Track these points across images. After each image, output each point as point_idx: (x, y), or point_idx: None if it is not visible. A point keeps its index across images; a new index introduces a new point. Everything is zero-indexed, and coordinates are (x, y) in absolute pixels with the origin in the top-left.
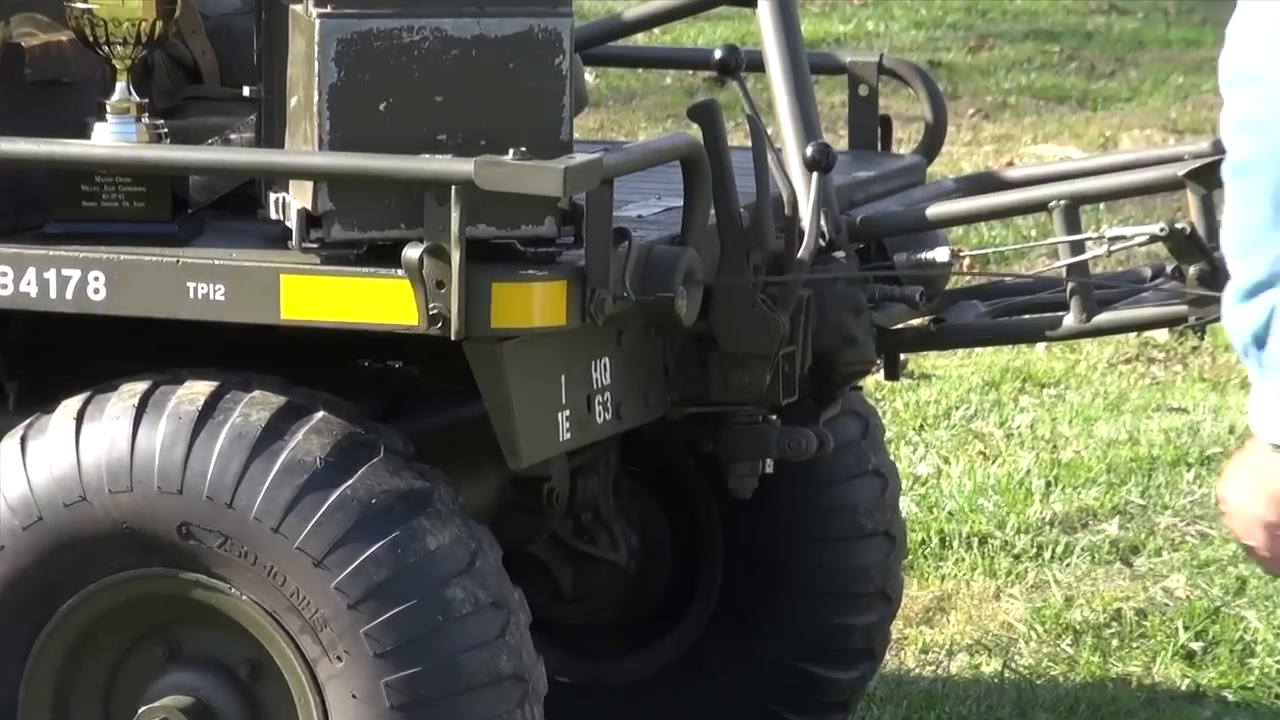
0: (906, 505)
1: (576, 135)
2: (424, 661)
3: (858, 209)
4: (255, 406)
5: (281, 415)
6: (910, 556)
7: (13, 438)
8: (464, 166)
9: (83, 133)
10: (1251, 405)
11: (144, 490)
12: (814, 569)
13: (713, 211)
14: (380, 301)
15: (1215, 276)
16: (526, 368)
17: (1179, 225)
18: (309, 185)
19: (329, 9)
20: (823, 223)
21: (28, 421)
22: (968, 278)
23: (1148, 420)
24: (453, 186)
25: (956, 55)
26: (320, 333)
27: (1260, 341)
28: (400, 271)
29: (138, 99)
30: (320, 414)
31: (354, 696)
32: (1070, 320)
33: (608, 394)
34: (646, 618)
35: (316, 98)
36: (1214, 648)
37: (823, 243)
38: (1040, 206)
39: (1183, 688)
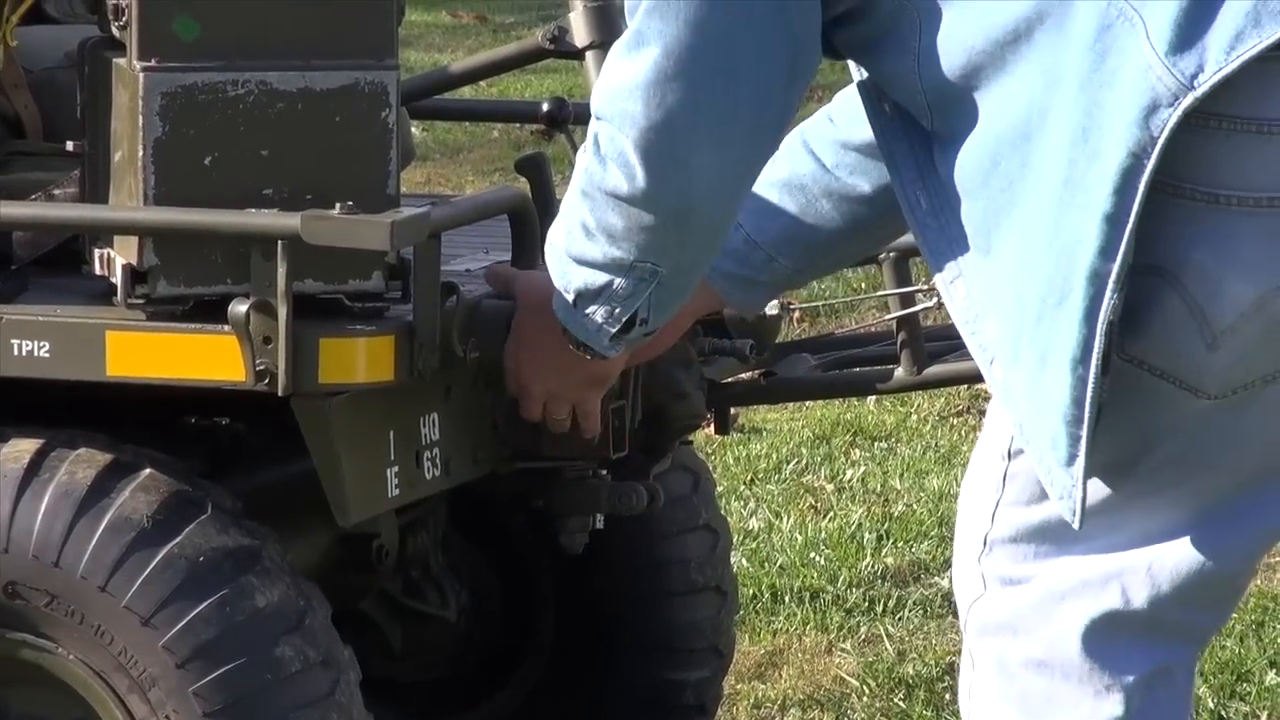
0: (738, 560)
1: (404, 189)
2: None
3: None
4: (81, 464)
5: (108, 473)
6: (742, 611)
7: None
8: (290, 221)
9: None
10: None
11: None
12: (646, 624)
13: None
14: (207, 357)
15: None
16: (354, 424)
17: None
18: (134, 241)
19: (153, 63)
20: None
21: None
22: (798, 331)
23: None
24: (279, 241)
25: None
26: (146, 389)
27: (581, 296)
28: (227, 327)
29: None
30: (147, 471)
31: None
32: (901, 373)
33: (437, 450)
34: (478, 675)
35: (141, 152)
36: None
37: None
38: (870, 259)
39: None
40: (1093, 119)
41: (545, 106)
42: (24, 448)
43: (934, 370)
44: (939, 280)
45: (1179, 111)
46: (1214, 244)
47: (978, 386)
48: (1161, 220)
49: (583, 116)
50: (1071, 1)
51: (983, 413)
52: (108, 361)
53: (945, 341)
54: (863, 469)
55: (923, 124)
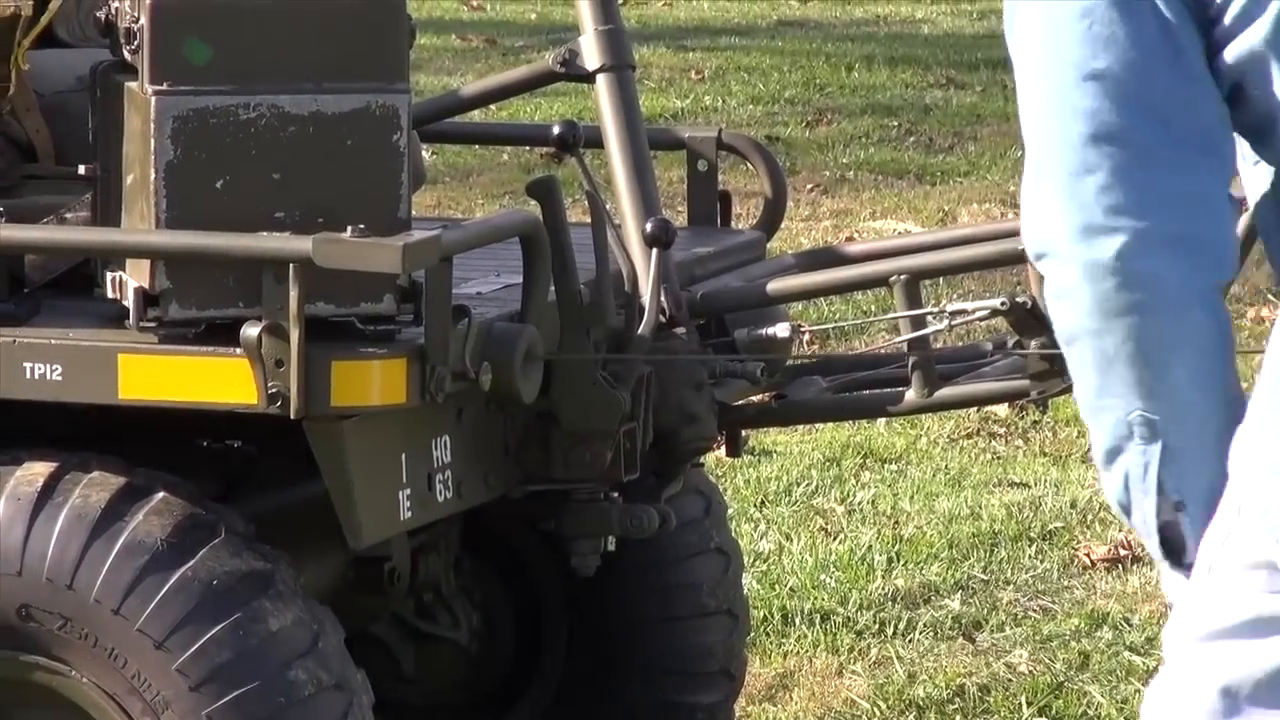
0: (748, 582)
1: (414, 212)
2: None
3: (698, 285)
4: (95, 487)
5: (122, 496)
6: (752, 634)
7: None
8: (302, 244)
9: None
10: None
11: None
12: (657, 648)
13: (552, 288)
14: (219, 381)
15: (1056, 350)
16: (366, 446)
17: (1020, 299)
18: (146, 264)
19: (165, 86)
20: (663, 299)
21: None
22: (808, 353)
23: (989, 495)
24: (291, 264)
25: (795, 130)
26: (159, 412)
27: (1126, 509)
28: (239, 350)
29: None
30: (161, 495)
31: None
32: (912, 395)
33: (449, 472)
34: (489, 697)
35: (153, 175)
36: None
37: (663, 319)
38: (881, 281)
39: None
40: None
41: (556, 130)
42: (37, 471)
43: (945, 393)
44: None
45: None
46: None
47: (987, 409)
48: None
49: (593, 140)
50: None
51: (993, 435)
52: (120, 384)
53: (956, 364)
54: (873, 491)
55: None
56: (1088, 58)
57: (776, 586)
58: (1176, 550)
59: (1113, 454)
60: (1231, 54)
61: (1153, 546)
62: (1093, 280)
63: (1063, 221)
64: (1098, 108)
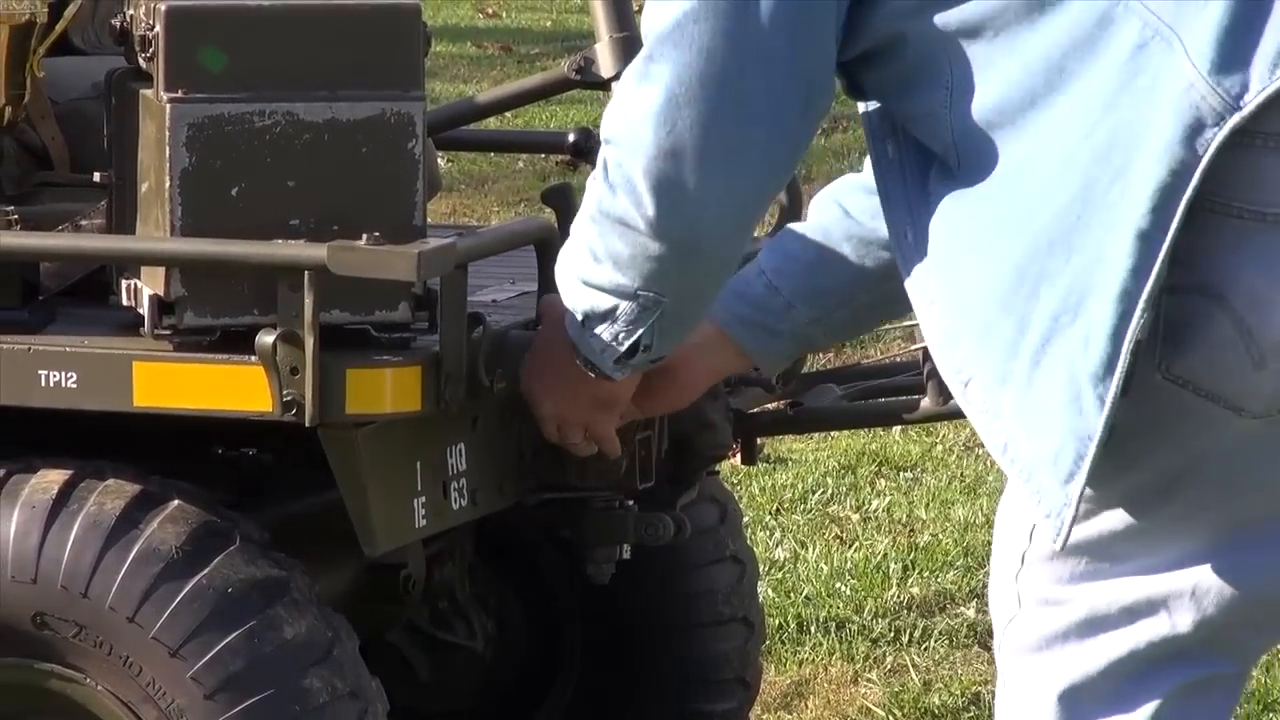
0: (763, 590)
1: (429, 220)
2: None
3: None
4: (110, 495)
5: (136, 504)
6: (767, 641)
7: None
8: (317, 252)
9: None
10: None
11: None
12: (672, 655)
13: None
14: (234, 388)
15: None
16: (381, 454)
17: None
18: (161, 271)
19: (180, 93)
20: None
21: None
22: (823, 361)
23: None
24: (306, 272)
25: None
26: (174, 420)
27: (588, 318)
28: (254, 358)
29: None
30: (175, 502)
31: None
32: (927, 403)
33: (464, 480)
34: (504, 705)
35: (168, 183)
36: None
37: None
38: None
39: None
40: (1119, 137)
41: (571, 137)
42: (52, 478)
43: None
44: (916, 307)
45: (1225, 130)
46: (1262, 262)
47: None
48: (1206, 239)
49: None
50: (1106, 27)
51: None
52: (135, 392)
53: None
54: (888, 499)
55: (948, 162)
56: None
57: (791, 594)
58: (622, 361)
59: (602, 288)
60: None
61: (601, 350)
62: (664, 201)
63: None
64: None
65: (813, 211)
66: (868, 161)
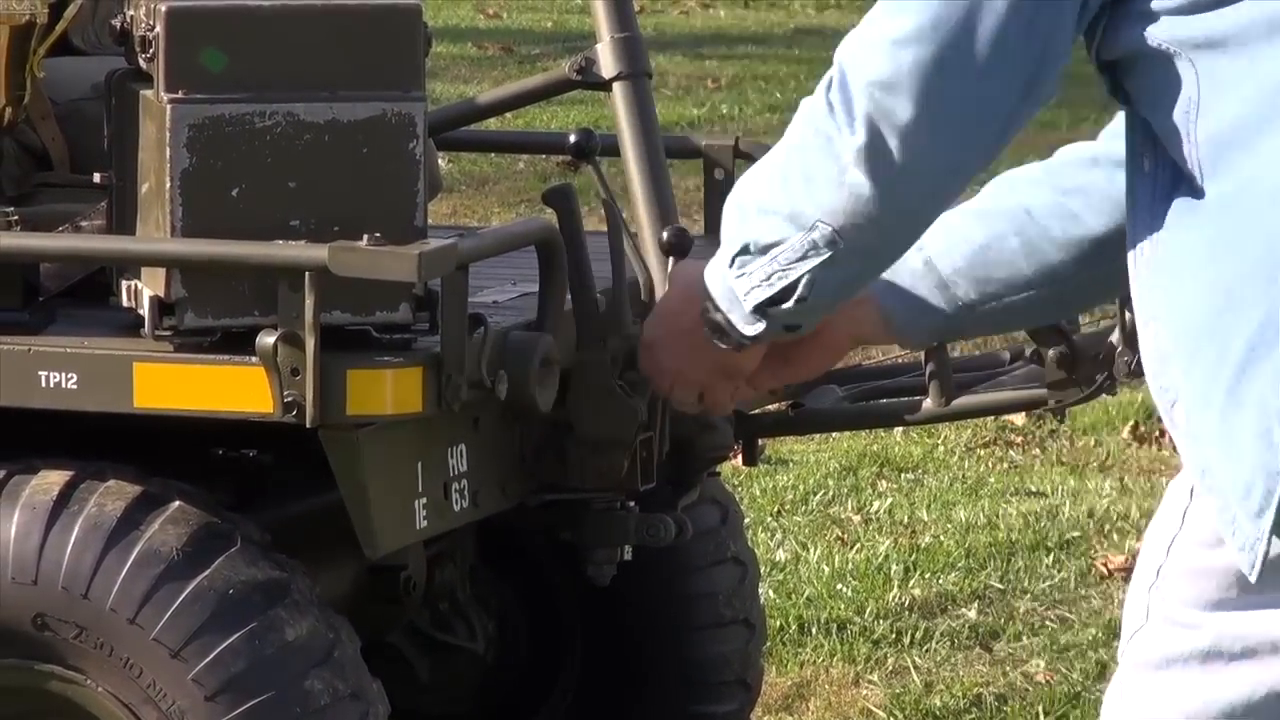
0: (764, 591)
1: (430, 220)
2: None
3: None
4: (111, 496)
5: (137, 505)
6: (769, 643)
7: None
8: (318, 252)
9: None
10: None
11: None
12: (673, 657)
13: (569, 297)
14: (234, 389)
15: (1074, 360)
16: (382, 455)
17: None
18: (161, 272)
19: (180, 94)
20: None
21: None
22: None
23: (1006, 504)
24: (306, 273)
25: None
26: (174, 421)
27: (747, 250)
28: (254, 359)
29: None
30: (176, 503)
31: None
32: (929, 404)
33: (465, 481)
34: (505, 707)
35: (168, 184)
36: None
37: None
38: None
39: None
40: None
41: (573, 138)
42: (53, 479)
43: (962, 401)
44: (1138, 322)
45: None
46: None
47: (1004, 418)
48: None
49: (609, 148)
50: None
51: (1010, 444)
52: (135, 393)
53: (973, 373)
54: (889, 500)
55: (1190, 180)
56: None
57: (793, 595)
58: (767, 307)
59: (778, 215)
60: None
61: (749, 289)
62: (875, 136)
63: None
64: None
65: (989, 194)
66: (1061, 152)
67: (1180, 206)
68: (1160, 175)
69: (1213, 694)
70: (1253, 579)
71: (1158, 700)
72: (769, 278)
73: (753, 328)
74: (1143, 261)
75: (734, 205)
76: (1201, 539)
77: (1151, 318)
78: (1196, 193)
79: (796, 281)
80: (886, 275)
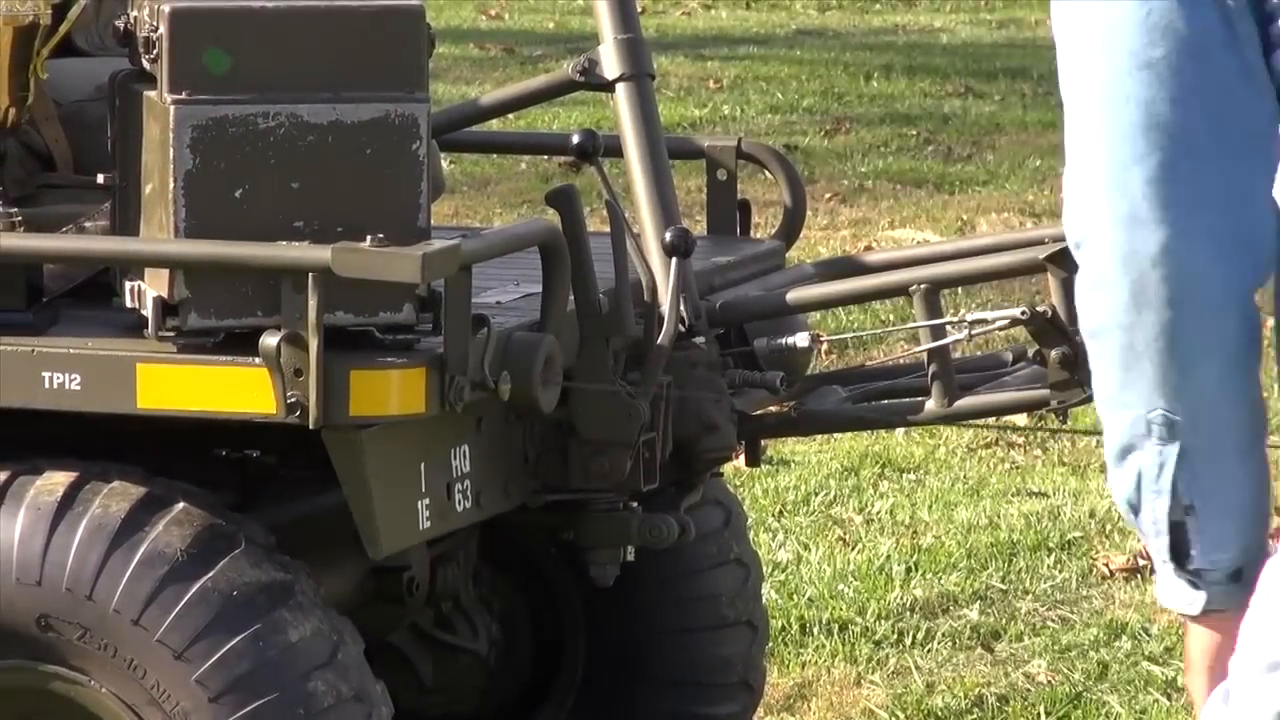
0: (766, 592)
1: (432, 221)
2: None
3: (717, 294)
4: (115, 497)
5: (141, 506)
6: (770, 643)
7: None
8: (321, 253)
9: None
10: (1157, 581)
11: (2, 582)
12: (676, 658)
13: (571, 297)
14: (238, 390)
15: (1077, 360)
16: (385, 456)
17: (1040, 308)
18: (165, 273)
19: (184, 95)
20: (682, 308)
21: None
22: (827, 363)
23: (1008, 505)
24: (310, 274)
25: (813, 139)
26: (177, 422)
27: (1134, 508)
28: (258, 360)
29: None
30: (180, 505)
31: None
32: (931, 405)
33: (468, 482)
34: (508, 708)
35: (172, 184)
36: None
37: (682, 328)
38: (900, 291)
39: None
40: None
41: (576, 139)
42: (57, 480)
43: (964, 403)
44: None
45: None
46: None
47: (1006, 419)
48: None
49: (612, 149)
50: None
51: (1012, 445)
52: (138, 394)
53: (976, 374)
54: (891, 501)
55: None
56: (1144, 45)
57: (795, 596)
58: (1181, 554)
59: (1127, 451)
60: None
61: (1159, 547)
62: (1131, 271)
63: (1106, 210)
64: (1151, 97)
65: None
66: None
67: None
68: None
69: None
70: None
71: (1262, 703)
72: (1154, 521)
73: (1192, 601)
74: None
75: (1113, 492)
76: None
77: None
78: None
79: (1176, 503)
80: None
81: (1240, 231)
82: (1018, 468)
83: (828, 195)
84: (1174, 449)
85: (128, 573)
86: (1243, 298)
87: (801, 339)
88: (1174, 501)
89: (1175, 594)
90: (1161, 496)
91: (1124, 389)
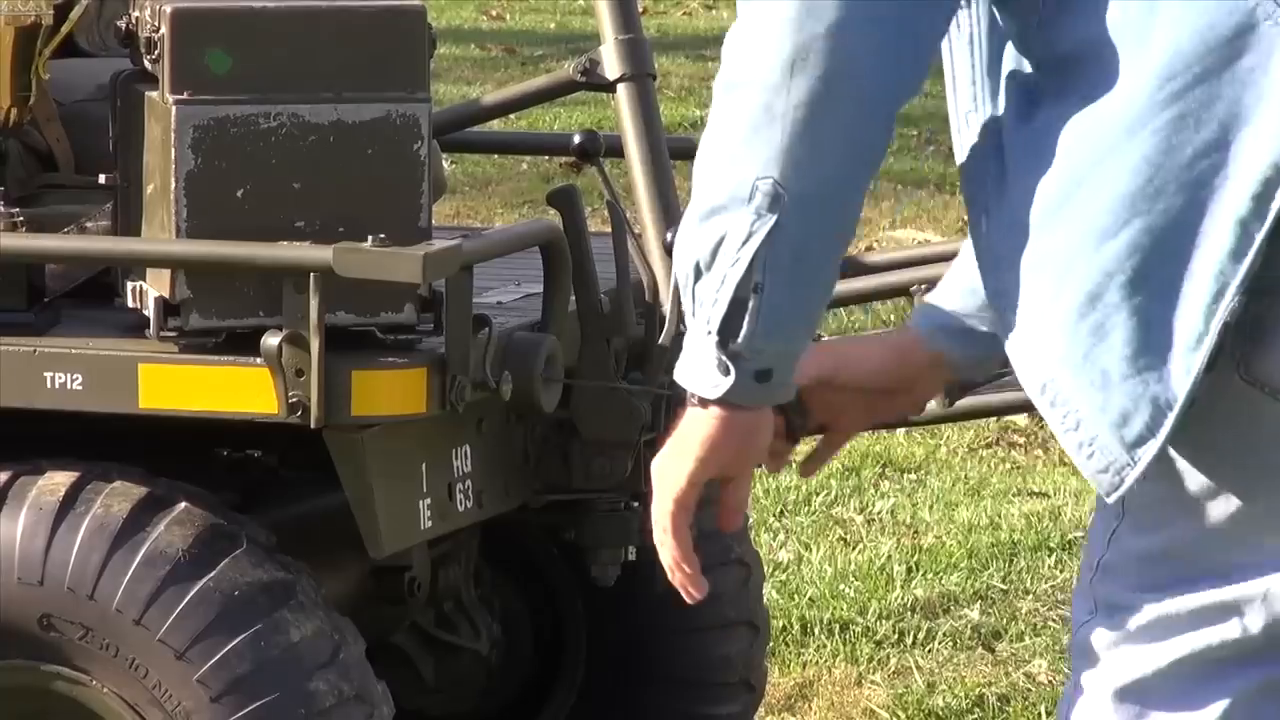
0: (767, 592)
1: (434, 221)
2: None
3: None
4: (117, 497)
5: (143, 506)
6: (771, 643)
7: None
8: (323, 254)
9: None
10: (682, 356)
11: (4, 581)
12: (677, 658)
13: (573, 298)
14: (239, 390)
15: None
16: (387, 456)
17: None
18: (166, 273)
19: (185, 95)
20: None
21: None
22: None
23: (1008, 505)
24: (311, 274)
25: None
26: (179, 422)
27: (700, 271)
28: (259, 360)
29: None
30: (182, 505)
31: None
32: (932, 404)
33: (469, 482)
34: (510, 708)
35: (173, 185)
36: None
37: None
38: (901, 291)
39: None
40: (1211, 114)
41: (577, 139)
42: (59, 480)
43: (965, 402)
44: (981, 264)
45: None
46: None
47: (1007, 419)
48: None
49: (613, 149)
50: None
51: (1012, 445)
52: (140, 394)
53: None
54: (892, 501)
55: (1032, 90)
56: None
57: (795, 596)
58: (729, 332)
59: (718, 210)
60: None
61: (709, 316)
62: (800, 34)
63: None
64: None
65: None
66: None
67: (1029, 132)
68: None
69: (1157, 660)
70: (1109, 499)
71: (1104, 678)
72: (721, 281)
73: (721, 367)
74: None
75: (679, 240)
76: (1139, 525)
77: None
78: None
79: (747, 276)
80: (933, 316)
81: (918, 47)
82: (1018, 468)
83: None
84: (769, 221)
85: (129, 573)
86: (894, 103)
87: None
88: (747, 274)
89: (699, 373)
90: (737, 266)
91: (743, 146)
